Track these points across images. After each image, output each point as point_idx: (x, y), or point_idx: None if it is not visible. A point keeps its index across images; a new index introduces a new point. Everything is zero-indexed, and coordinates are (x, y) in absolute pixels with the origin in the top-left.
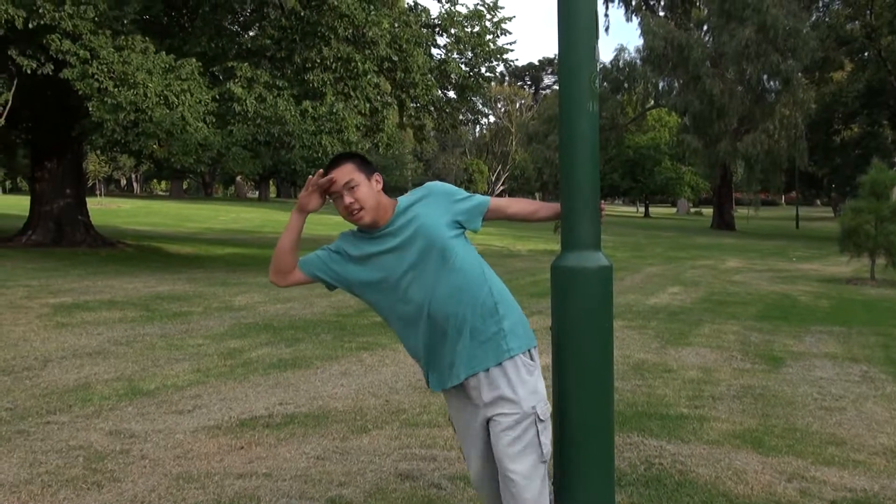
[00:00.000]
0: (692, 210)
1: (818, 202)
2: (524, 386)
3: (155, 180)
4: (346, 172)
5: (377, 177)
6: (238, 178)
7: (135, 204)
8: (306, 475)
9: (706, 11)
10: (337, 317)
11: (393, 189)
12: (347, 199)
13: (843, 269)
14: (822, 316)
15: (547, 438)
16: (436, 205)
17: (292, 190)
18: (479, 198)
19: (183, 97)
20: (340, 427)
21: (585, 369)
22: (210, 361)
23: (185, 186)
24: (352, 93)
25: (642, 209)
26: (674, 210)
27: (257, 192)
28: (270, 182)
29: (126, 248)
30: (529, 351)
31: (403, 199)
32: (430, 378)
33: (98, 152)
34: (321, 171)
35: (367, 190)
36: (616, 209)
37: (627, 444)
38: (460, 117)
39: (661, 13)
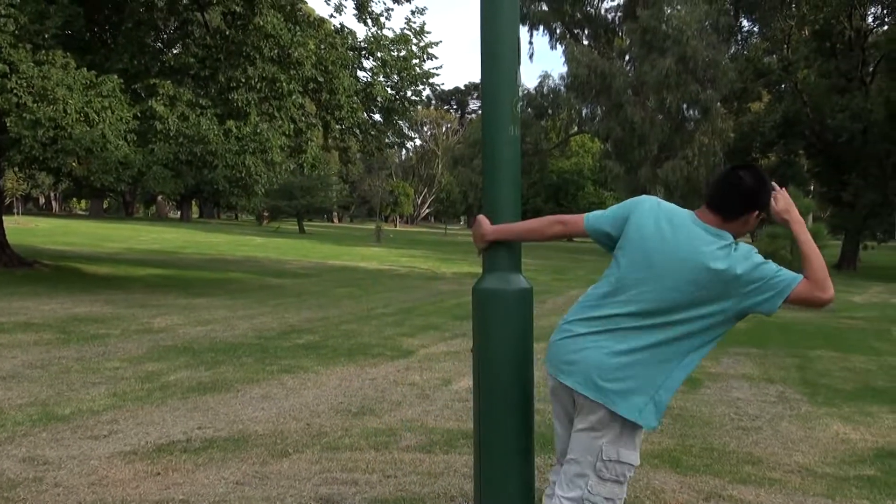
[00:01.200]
0: None
1: None
2: None
3: (74, 199)
4: None
5: None
6: (159, 197)
7: (53, 223)
8: (225, 501)
9: (628, 41)
10: (258, 339)
11: (318, 210)
12: None
13: None
14: (739, 338)
15: None
16: None
17: (215, 210)
18: None
19: (104, 114)
20: (260, 451)
21: (506, 391)
22: (127, 385)
23: (105, 205)
24: (276, 113)
25: None
26: None
27: (179, 212)
28: (193, 202)
29: (43, 268)
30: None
31: None
32: None
33: (16, 169)
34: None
35: None
36: None
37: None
38: (386, 140)
39: (585, 42)
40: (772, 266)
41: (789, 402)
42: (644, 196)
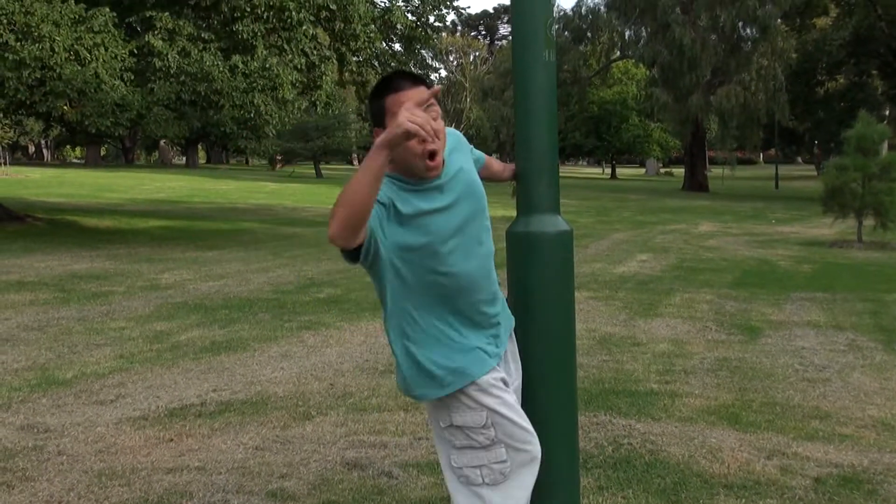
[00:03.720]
0: (662, 170)
1: (799, 160)
2: None
3: (68, 146)
4: (422, 93)
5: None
6: (162, 142)
7: (45, 173)
8: (244, 467)
9: None
10: (275, 294)
11: (336, 152)
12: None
13: (827, 232)
14: (803, 282)
15: None
16: (467, 156)
17: (223, 155)
18: (477, 151)
19: (96, 52)
20: (281, 414)
21: (546, 343)
22: (134, 346)
23: (102, 153)
24: (286, 46)
25: (608, 170)
26: (642, 171)
27: (184, 158)
28: (199, 146)
29: (36, 222)
30: None
31: None
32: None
33: (0, 115)
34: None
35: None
36: (580, 170)
37: (594, 424)
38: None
39: None
40: None
41: (862, 351)
42: None
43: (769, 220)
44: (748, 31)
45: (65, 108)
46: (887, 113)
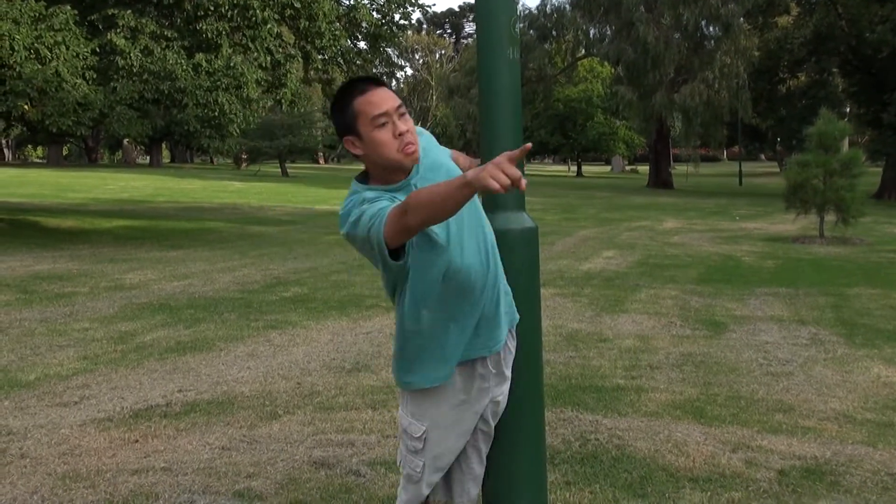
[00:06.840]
0: (628, 168)
1: (763, 157)
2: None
3: (29, 146)
4: (392, 97)
5: None
6: (125, 141)
7: (6, 173)
8: (210, 468)
9: None
10: (242, 293)
11: (301, 151)
12: (403, 127)
13: (790, 228)
14: (767, 277)
15: None
16: (444, 151)
17: (187, 154)
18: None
19: (57, 50)
20: (247, 414)
21: None
22: (98, 347)
23: (65, 152)
24: (250, 44)
25: (574, 168)
26: (608, 168)
27: (148, 158)
28: (163, 145)
29: None
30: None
31: None
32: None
33: None
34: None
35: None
36: (545, 168)
37: (561, 420)
38: (373, 70)
39: None
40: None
41: (824, 345)
42: None
43: (733, 217)
44: (711, 29)
45: (25, 107)
46: (848, 110)
